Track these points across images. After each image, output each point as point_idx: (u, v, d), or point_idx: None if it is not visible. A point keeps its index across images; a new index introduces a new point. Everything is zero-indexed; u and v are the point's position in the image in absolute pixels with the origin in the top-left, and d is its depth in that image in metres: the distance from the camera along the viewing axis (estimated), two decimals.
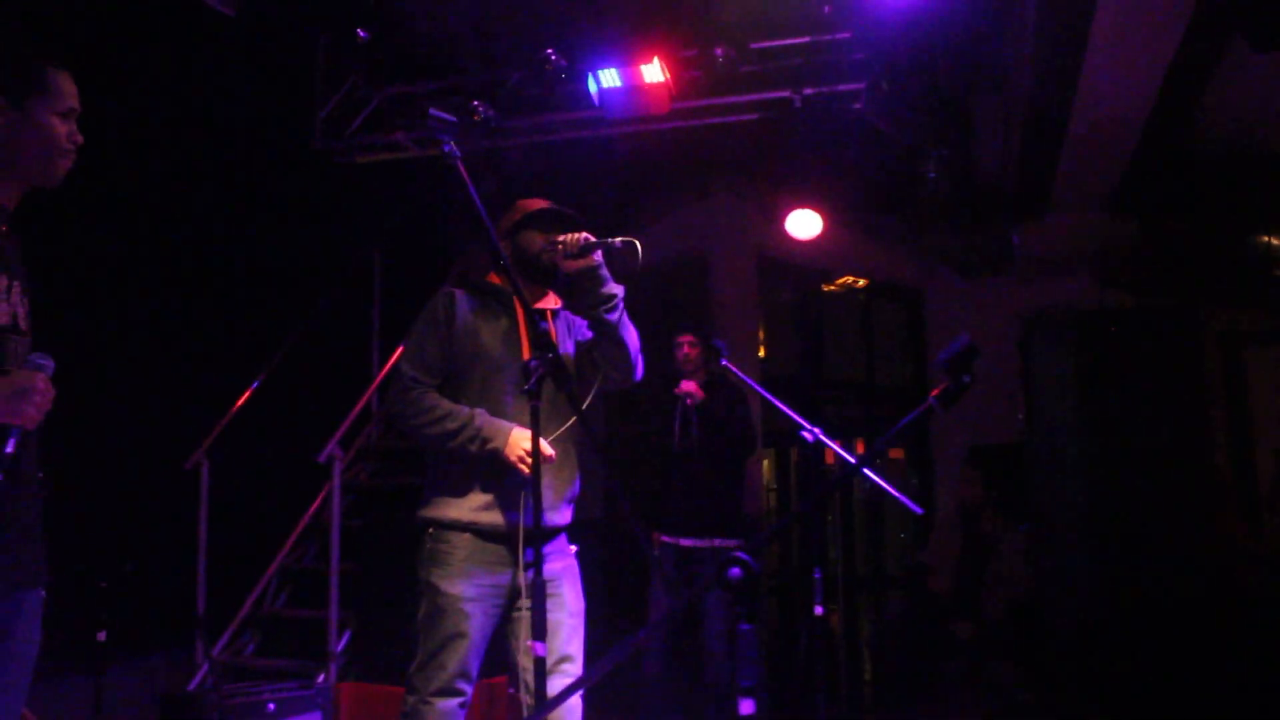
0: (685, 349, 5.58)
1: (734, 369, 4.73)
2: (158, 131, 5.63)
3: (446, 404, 3.15)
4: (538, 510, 2.63)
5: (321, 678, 5.07)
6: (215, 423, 5.84)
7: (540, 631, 2.56)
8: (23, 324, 2.33)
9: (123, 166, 5.34)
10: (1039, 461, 5.36)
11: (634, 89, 5.80)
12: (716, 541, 5.50)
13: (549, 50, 5.98)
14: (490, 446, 3.06)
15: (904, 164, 6.82)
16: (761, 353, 8.32)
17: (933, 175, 6.73)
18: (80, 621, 4.06)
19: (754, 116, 6.02)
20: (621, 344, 3.20)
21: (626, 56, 5.76)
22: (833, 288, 8.13)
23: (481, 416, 3.11)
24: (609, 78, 5.82)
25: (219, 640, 5.75)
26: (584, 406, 3.14)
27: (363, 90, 6.48)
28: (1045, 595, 5.23)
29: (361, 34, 6.28)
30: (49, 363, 2.25)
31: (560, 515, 3.26)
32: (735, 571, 2.01)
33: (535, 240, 3.29)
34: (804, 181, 6.66)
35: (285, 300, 6.48)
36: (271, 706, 4.14)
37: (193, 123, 5.84)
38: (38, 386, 2.20)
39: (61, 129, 2.35)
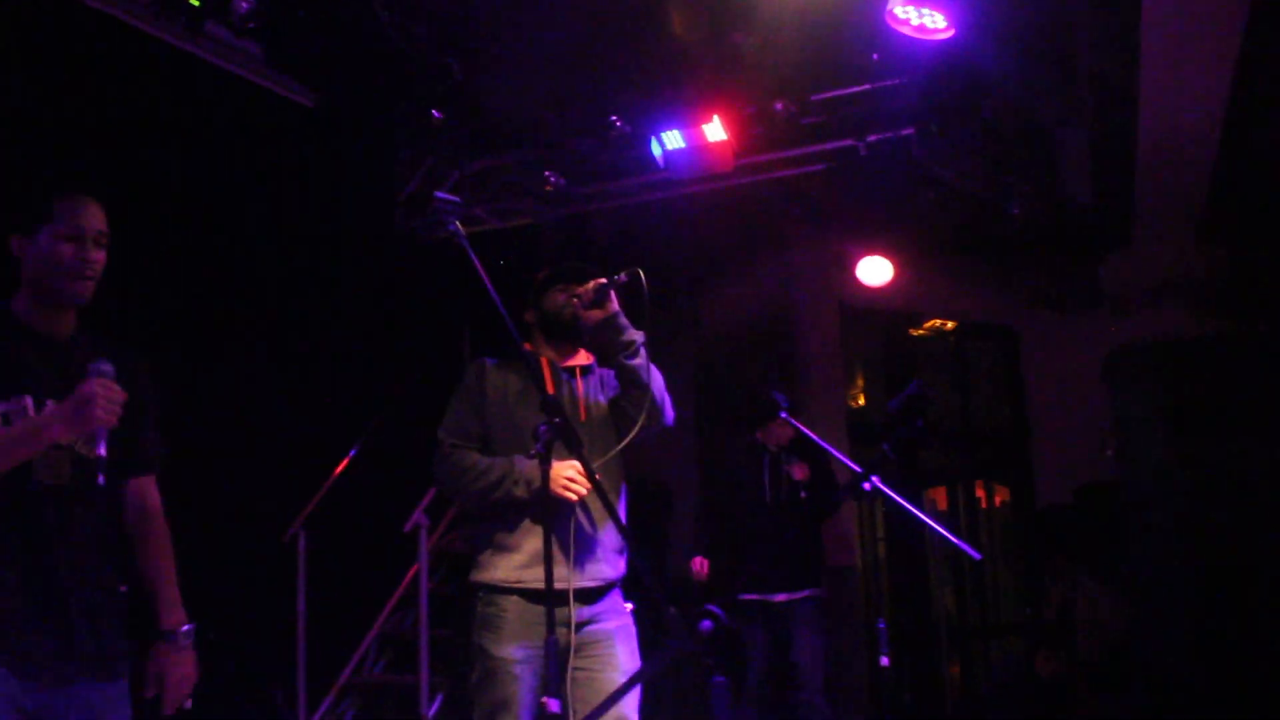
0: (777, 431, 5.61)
1: (794, 421, 4.70)
2: (248, 221, 5.92)
3: (483, 459, 3.25)
4: (549, 559, 2.65)
5: None
6: (311, 496, 6.03)
7: (554, 689, 2.59)
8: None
9: (218, 258, 5.66)
10: (1132, 502, 5.15)
11: (697, 149, 5.88)
12: (807, 592, 5.43)
13: (613, 117, 6.10)
14: (535, 486, 3.11)
15: (985, 201, 6.70)
16: (861, 400, 8.19)
17: (1015, 211, 6.60)
18: None
19: (820, 167, 6.03)
20: (645, 387, 3.27)
21: (688, 117, 5.84)
22: (921, 331, 8.01)
23: (519, 460, 3.19)
24: (672, 139, 5.91)
25: (319, 708, 5.91)
26: (619, 451, 3.23)
27: (441, 169, 6.70)
28: (1142, 639, 5.00)
29: (436, 114, 6.53)
30: (108, 366, 2.36)
31: (609, 567, 3.29)
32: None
33: (557, 298, 3.41)
34: (879, 228, 6.63)
35: (378, 375, 6.69)
36: None
37: (280, 211, 6.13)
38: (95, 392, 2.31)
39: (67, 251, 2.47)
